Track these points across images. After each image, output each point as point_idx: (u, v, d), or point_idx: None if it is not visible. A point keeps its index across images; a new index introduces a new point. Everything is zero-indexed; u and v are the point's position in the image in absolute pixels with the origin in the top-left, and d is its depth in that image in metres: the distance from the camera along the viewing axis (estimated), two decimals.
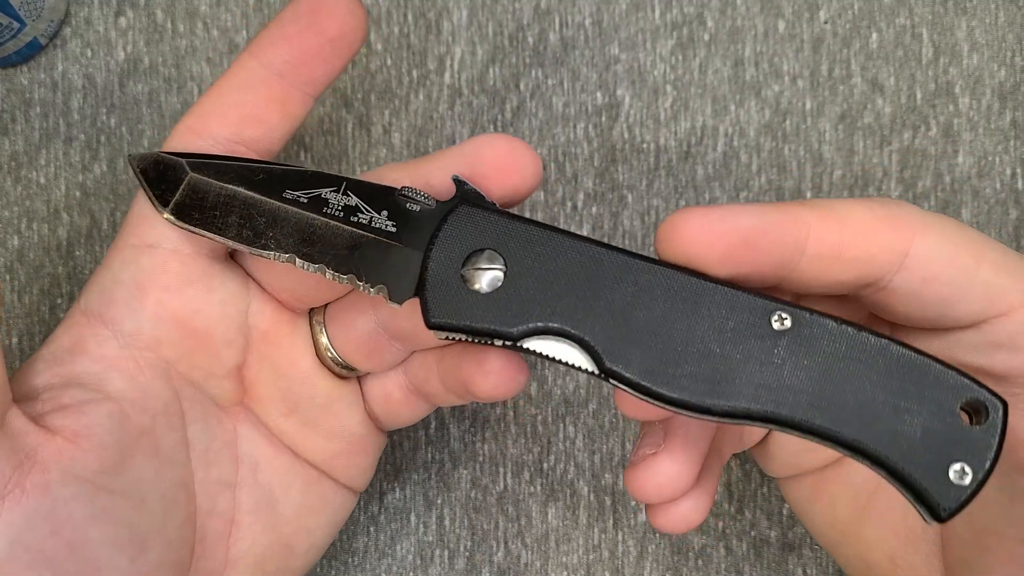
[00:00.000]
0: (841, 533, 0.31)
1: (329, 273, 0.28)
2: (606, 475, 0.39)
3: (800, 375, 0.24)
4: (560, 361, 0.26)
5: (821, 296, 0.28)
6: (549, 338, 0.26)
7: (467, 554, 0.39)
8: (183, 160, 0.29)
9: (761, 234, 0.25)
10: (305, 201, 0.28)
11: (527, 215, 0.39)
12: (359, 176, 0.29)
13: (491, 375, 0.28)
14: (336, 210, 0.28)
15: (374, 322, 0.30)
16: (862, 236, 0.26)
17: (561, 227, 0.37)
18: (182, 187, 0.29)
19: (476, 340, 0.26)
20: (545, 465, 0.39)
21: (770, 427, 0.25)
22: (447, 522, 0.39)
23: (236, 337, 0.30)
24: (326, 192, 0.28)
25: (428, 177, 0.28)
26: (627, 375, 0.25)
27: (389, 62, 0.40)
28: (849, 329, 0.24)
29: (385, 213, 0.28)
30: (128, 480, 0.28)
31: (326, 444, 0.32)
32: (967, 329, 0.27)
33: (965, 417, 0.24)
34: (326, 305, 0.32)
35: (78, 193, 0.39)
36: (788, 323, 0.24)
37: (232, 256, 0.31)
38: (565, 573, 0.39)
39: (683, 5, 0.40)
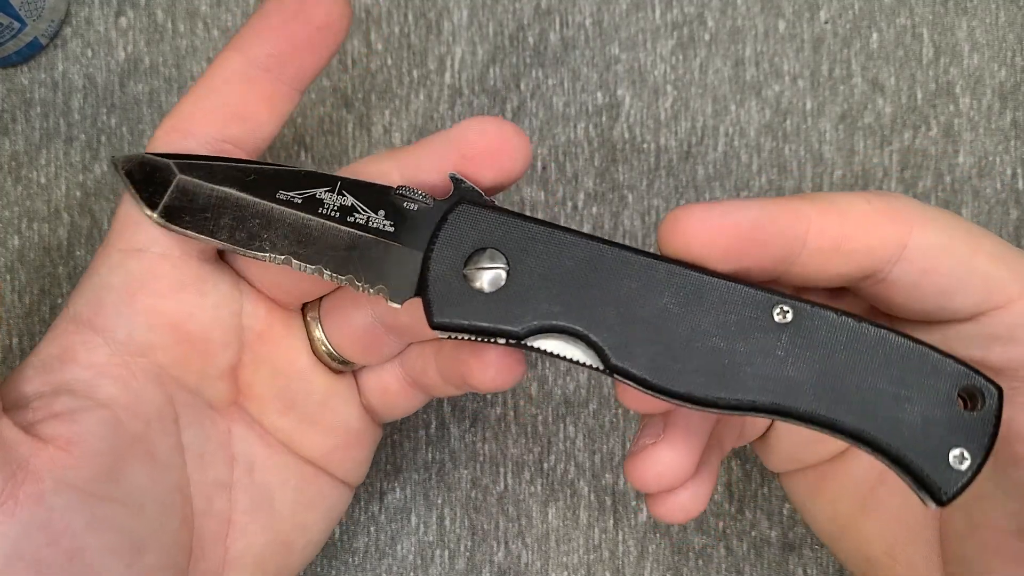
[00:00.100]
0: (841, 528, 0.31)
1: (327, 274, 0.27)
2: (606, 475, 0.39)
3: (802, 367, 0.24)
4: (565, 358, 0.26)
5: (821, 289, 0.29)
6: (554, 336, 0.26)
7: (467, 554, 0.39)
8: (170, 161, 0.28)
9: (762, 229, 0.26)
10: (299, 202, 0.28)
11: (527, 214, 0.39)
12: (348, 166, 0.29)
13: (490, 367, 0.28)
14: (332, 210, 0.28)
15: (370, 316, 0.30)
16: (862, 229, 0.26)
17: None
18: (170, 189, 0.28)
19: (480, 339, 0.26)
20: (545, 465, 0.39)
21: (774, 418, 0.25)
22: (447, 522, 0.39)
23: (230, 339, 0.30)
24: (321, 192, 0.28)
25: (417, 165, 0.28)
26: (634, 372, 0.25)
27: (390, 62, 0.40)
28: (849, 320, 0.24)
29: (382, 213, 0.27)
30: (123, 486, 0.28)
31: (323, 439, 0.32)
32: (965, 322, 0.27)
33: (962, 403, 0.24)
34: (320, 299, 0.32)
35: (79, 193, 0.39)
36: (790, 316, 0.25)
37: (222, 256, 0.31)
38: (565, 573, 0.38)
39: (683, 5, 0.40)
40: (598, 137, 0.39)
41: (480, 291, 0.26)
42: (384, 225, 0.27)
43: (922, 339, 0.25)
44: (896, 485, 0.29)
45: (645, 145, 0.39)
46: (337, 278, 0.27)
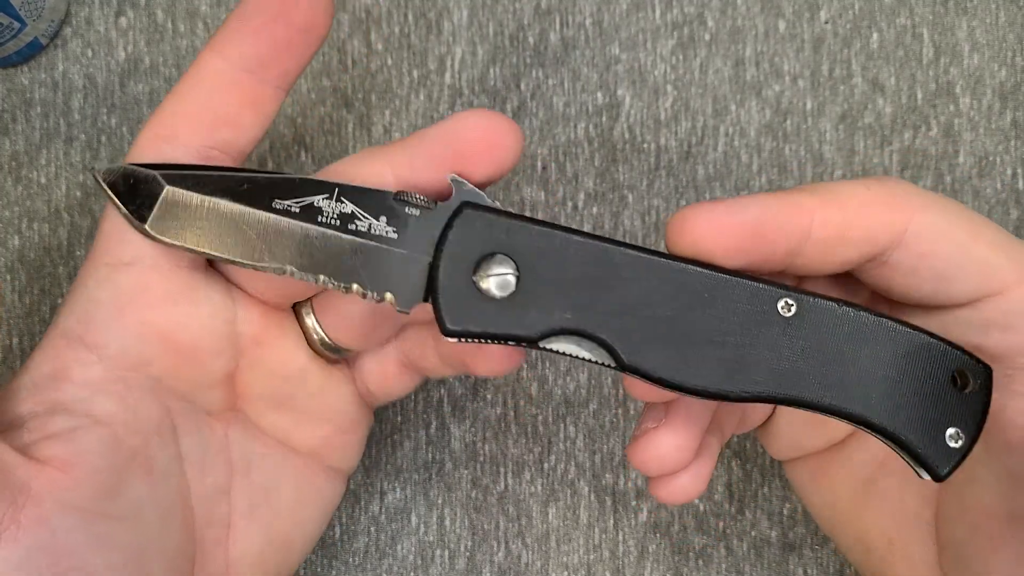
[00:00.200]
0: (841, 515, 0.32)
1: (330, 283, 0.27)
2: (607, 475, 0.39)
3: (807, 357, 0.25)
4: (578, 357, 0.26)
5: (824, 276, 0.29)
6: (567, 338, 0.26)
7: (468, 554, 0.39)
8: (156, 172, 0.28)
9: (768, 225, 0.26)
10: (297, 210, 0.27)
11: (527, 214, 0.39)
12: (337, 163, 0.29)
13: (492, 357, 0.29)
14: (332, 218, 0.27)
15: (365, 303, 0.30)
16: (863, 216, 0.27)
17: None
18: (159, 201, 0.27)
19: (492, 343, 0.26)
20: (546, 465, 0.39)
21: (780, 404, 0.26)
22: (448, 522, 0.39)
23: (225, 347, 0.30)
24: (319, 200, 0.27)
25: (411, 163, 0.28)
26: (647, 370, 0.25)
27: (390, 62, 0.40)
28: (849, 311, 0.25)
29: (384, 219, 0.27)
30: (124, 502, 0.27)
31: (318, 429, 0.32)
32: (963, 307, 0.27)
33: (956, 384, 0.26)
34: None
35: (79, 193, 0.39)
36: (794, 308, 0.26)
37: (211, 264, 0.30)
38: (566, 573, 0.38)
39: (684, 5, 0.40)
40: (598, 137, 0.39)
41: (492, 297, 0.26)
42: (387, 232, 0.27)
43: (920, 324, 0.26)
44: (894, 473, 0.30)
45: (645, 145, 0.39)
46: (341, 287, 0.27)
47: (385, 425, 0.39)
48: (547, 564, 0.39)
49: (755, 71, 0.39)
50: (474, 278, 0.26)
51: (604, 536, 0.39)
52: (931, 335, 0.26)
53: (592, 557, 0.39)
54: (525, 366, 0.39)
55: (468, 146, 0.27)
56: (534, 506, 0.39)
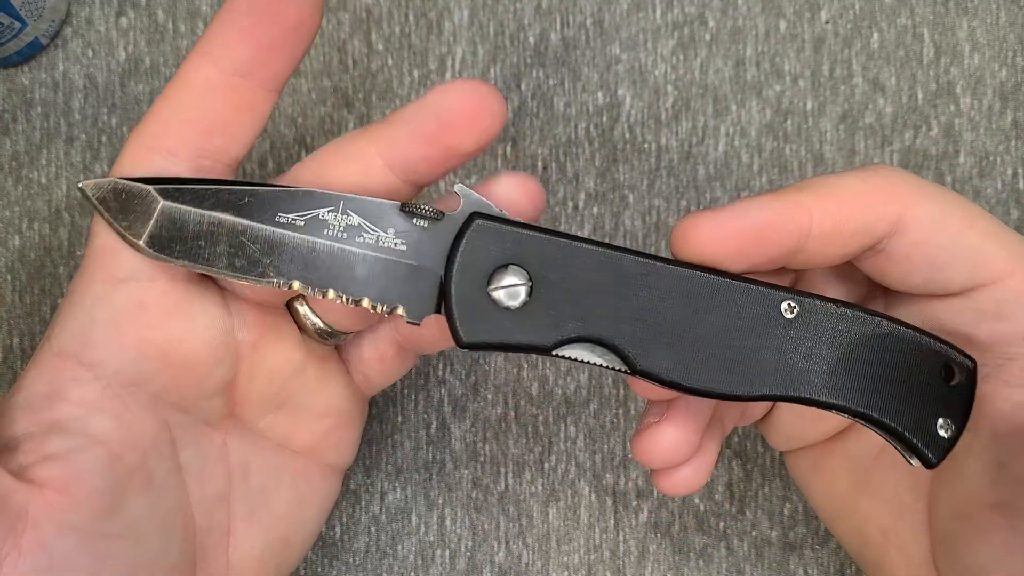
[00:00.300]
0: (839, 507, 0.32)
1: (338, 298, 0.27)
2: (607, 475, 0.39)
3: (809, 357, 0.26)
4: (590, 363, 0.27)
5: (823, 268, 0.30)
6: (580, 345, 0.26)
7: (468, 554, 0.39)
8: (150, 188, 0.27)
9: (769, 227, 0.27)
10: (302, 224, 0.27)
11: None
12: (320, 150, 0.28)
13: None
14: (338, 232, 0.27)
15: None
16: (859, 208, 0.27)
17: (563, 227, 0.38)
18: (154, 217, 0.27)
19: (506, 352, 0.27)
20: (546, 465, 0.39)
21: (784, 402, 0.27)
22: (448, 522, 0.39)
23: (223, 356, 0.29)
24: (324, 212, 0.27)
25: (394, 140, 0.27)
26: (660, 374, 0.26)
27: (390, 62, 0.40)
28: (847, 311, 0.26)
29: (391, 231, 0.27)
30: (123, 520, 0.27)
31: (315, 426, 0.32)
32: (957, 296, 0.28)
33: (945, 377, 0.27)
34: None
35: (79, 193, 0.39)
36: (796, 311, 0.26)
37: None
38: (566, 573, 0.39)
39: (684, 5, 0.40)
40: (599, 137, 0.39)
41: (505, 308, 0.26)
42: (395, 244, 0.27)
43: (917, 314, 0.28)
44: (889, 466, 0.31)
45: (646, 145, 0.39)
46: (349, 301, 0.27)
47: (385, 425, 0.39)
48: (547, 564, 0.39)
49: (756, 71, 0.39)
50: (488, 290, 0.26)
51: (604, 536, 0.39)
52: (921, 331, 0.27)
53: (592, 557, 0.39)
54: (526, 366, 0.39)
55: (451, 116, 0.27)
56: (534, 506, 0.39)
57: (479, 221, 0.26)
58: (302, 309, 0.30)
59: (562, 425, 0.39)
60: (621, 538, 0.39)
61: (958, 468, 0.28)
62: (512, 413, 0.39)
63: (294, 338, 0.30)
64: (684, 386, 0.26)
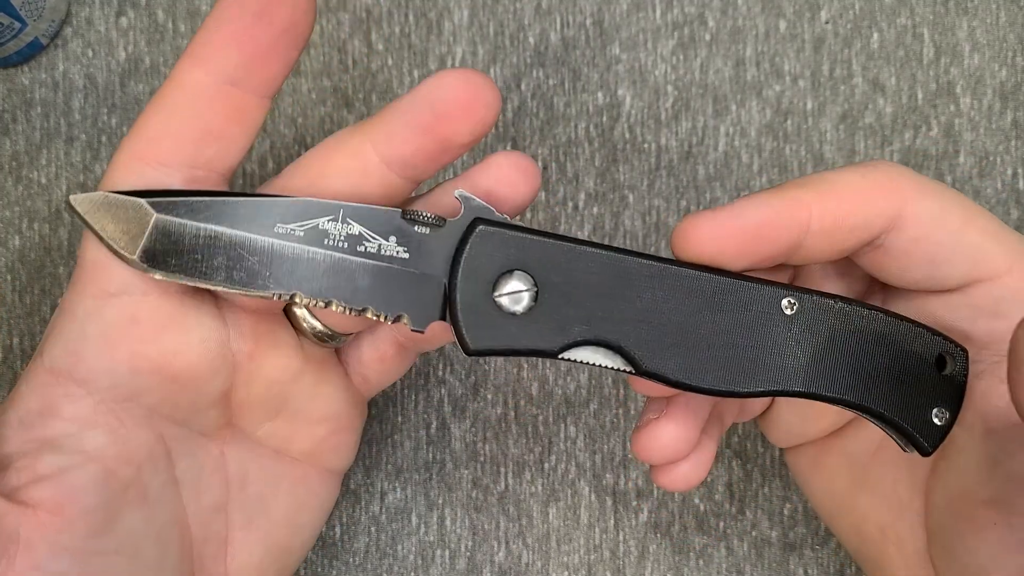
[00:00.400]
0: (838, 504, 0.32)
1: (341, 308, 0.26)
2: (607, 475, 0.39)
3: (809, 352, 0.27)
4: (595, 365, 0.27)
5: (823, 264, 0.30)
6: (586, 348, 0.27)
7: (468, 554, 0.39)
8: (143, 201, 0.26)
9: (769, 226, 0.27)
10: (302, 234, 0.26)
11: (528, 215, 0.39)
12: (314, 148, 0.28)
13: None
14: (339, 241, 0.26)
15: None
16: (858, 204, 0.27)
17: (563, 227, 0.38)
18: (147, 231, 0.26)
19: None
20: (546, 465, 0.39)
21: (785, 397, 0.28)
22: (448, 522, 0.39)
23: (220, 368, 0.28)
24: (324, 222, 0.26)
25: (390, 134, 0.27)
26: (665, 374, 0.27)
27: (390, 62, 0.40)
28: (845, 306, 0.27)
29: (393, 239, 0.26)
30: (118, 536, 0.27)
31: (314, 431, 0.31)
32: (954, 292, 0.28)
33: (938, 367, 0.27)
34: None
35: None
36: (796, 307, 0.27)
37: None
38: (566, 573, 0.39)
39: (684, 5, 0.40)
40: (599, 137, 0.39)
41: (511, 314, 0.26)
42: (397, 252, 0.26)
43: (916, 309, 0.29)
44: (887, 462, 0.31)
45: (646, 145, 0.39)
46: (351, 310, 0.27)
47: (385, 425, 0.39)
48: (547, 564, 0.39)
49: (756, 71, 0.39)
50: (494, 296, 0.26)
51: (604, 536, 0.39)
52: (915, 323, 0.27)
53: (592, 557, 0.39)
54: (526, 366, 0.39)
55: (445, 107, 0.26)
56: (534, 506, 0.39)
57: (482, 227, 0.26)
58: (300, 313, 0.30)
59: (562, 425, 0.39)
60: (621, 538, 0.39)
61: (953, 465, 0.28)
62: (512, 413, 0.39)
63: (291, 344, 0.30)
64: (689, 385, 0.27)
